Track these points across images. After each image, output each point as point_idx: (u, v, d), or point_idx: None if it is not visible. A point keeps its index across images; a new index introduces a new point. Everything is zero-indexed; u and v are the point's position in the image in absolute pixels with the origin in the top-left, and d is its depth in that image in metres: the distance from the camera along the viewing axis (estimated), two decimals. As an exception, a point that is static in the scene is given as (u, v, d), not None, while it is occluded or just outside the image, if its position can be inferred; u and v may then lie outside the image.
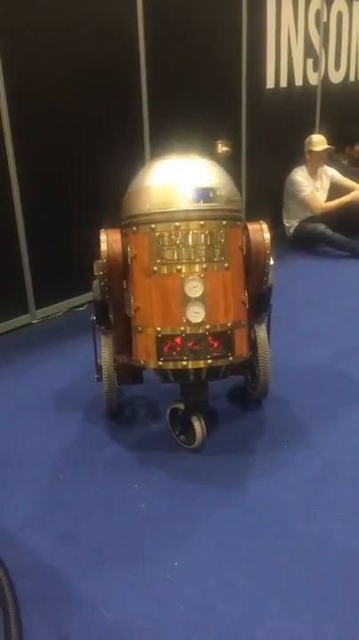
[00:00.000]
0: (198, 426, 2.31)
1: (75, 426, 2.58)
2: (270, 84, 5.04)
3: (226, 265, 2.18)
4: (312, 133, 5.20)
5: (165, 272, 2.14)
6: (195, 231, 2.13)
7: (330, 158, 5.18)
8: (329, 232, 4.91)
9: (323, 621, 1.63)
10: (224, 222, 2.17)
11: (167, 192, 2.17)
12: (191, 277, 2.13)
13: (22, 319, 3.65)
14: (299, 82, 5.33)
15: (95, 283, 2.39)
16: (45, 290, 3.70)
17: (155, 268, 2.15)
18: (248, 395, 2.71)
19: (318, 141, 4.99)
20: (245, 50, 4.69)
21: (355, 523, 1.98)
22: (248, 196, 4.79)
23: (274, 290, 2.49)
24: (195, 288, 2.13)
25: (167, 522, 2.01)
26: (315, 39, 5.39)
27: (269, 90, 5.05)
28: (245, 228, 2.29)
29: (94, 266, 2.32)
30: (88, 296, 3.44)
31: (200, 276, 2.13)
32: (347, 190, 5.14)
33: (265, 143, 5.01)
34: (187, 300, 2.13)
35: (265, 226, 2.31)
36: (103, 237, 2.26)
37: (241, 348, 2.24)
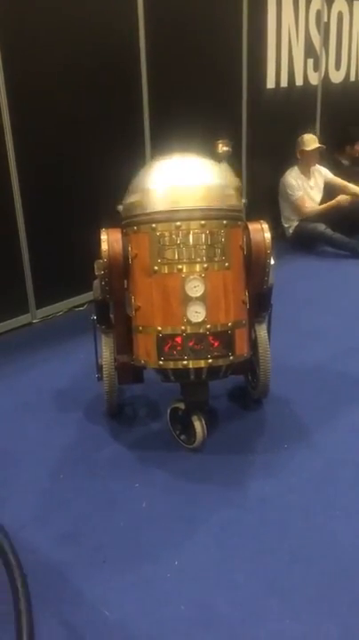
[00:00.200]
0: (199, 425, 2.31)
1: (76, 425, 2.58)
2: (271, 83, 5.04)
3: (226, 264, 2.18)
4: (312, 133, 5.21)
5: (166, 272, 2.15)
6: (196, 231, 2.14)
7: (321, 157, 5.22)
8: (329, 232, 4.92)
9: (324, 620, 1.63)
10: (225, 222, 2.17)
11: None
12: (192, 277, 2.13)
13: (23, 319, 3.65)
14: (299, 82, 5.33)
15: (96, 282, 2.39)
16: (46, 289, 3.70)
17: (156, 268, 2.15)
18: (248, 394, 2.72)
19: (309, 140, 5.04)
20: (246, 49, 4.69)
21: (355, 522, 1.98)
22: (248, 195, 4.79)
23: (274, 289, 2.49)
24: (195, 288, 2.13)
25: (168, 521, 2.01)
26: (316, 39, 5.39)
27: (270, 89, 5.05)
28: (246, 227, 2.30)
29: (95, 265, 2.32)
30: (88, 296, 3.43)
31: (201, 275, 2.13)
32: (340, 189, 5.20)
33: (265, 143, 5.01)
34: (187, 300, 2.13)
35: (265, 225, 2.31)
36: (104, 237, 2.26)
37: (241, 348, 2.24)
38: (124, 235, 2.25)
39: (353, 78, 6.06)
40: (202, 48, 4.27)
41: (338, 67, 5.80)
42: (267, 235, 2.29)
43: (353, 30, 5.83)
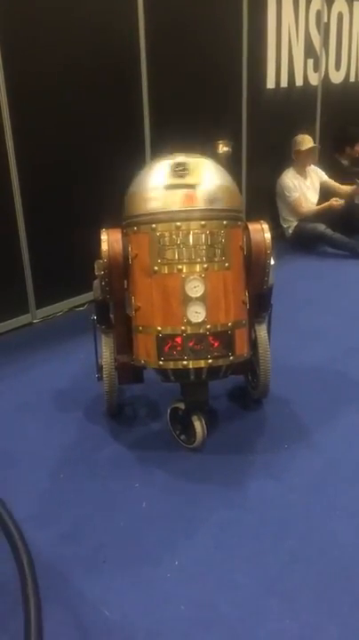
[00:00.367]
0: (199, 425, 2.31)
1: (76, 425, 2.58)
2: (271, 84, 5.05)
3: (226, 265, 2.18)
4: (313, 133, 5.22)
5: (166, 272, 2.15)
6: (196, 231, 2.14)
7: (316, 157, 5.24)
8: (329, 232, 4.92)
9: (324, 621, 1.63)
10: (225, 222, 2.18)
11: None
12: (192, 277, 2.13)
13: (23, 319, 3.65)
14: (299, 82, 5.34)
15: (96, 282, 2.39)
16: (46, 289, 3.70)
17: (156, 268, 2.15)
18: (248, 394, 2.72)
19: (303, 140, 5.07)
20: (246, 50, 4.69)
21: (355, 522, 1.98)
22: (248, 195, 4.79)
23: (274, 290, 2.50)
24: (195, 288, 2.13)
25: (168, 521, 2.01)
26: (316, 39, 5.39)
27: (270, 90, 5.06)
28: (246, 227, 2.30)
29: (95, 265, 2.32)
30: (89, 296, 3.44)
31: (201, 275, 2.14)
32: (334, 190, 5.23)
33: (265, 143, 5.01)
34: (187, 300, 2.13)
35: (265, 226, 2.31)
36: (104, 237, 2.26)
37: (241, 348, 2.24)
38: (124, 235, 2.25)
39: (353, 79, 6.06)
40: (202, 48, 4.27)
41: (338, 67, 5.80)
42: (268, 235, 2.29)
43: (353, 31, 5.84)
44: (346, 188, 5.22)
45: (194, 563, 1.83)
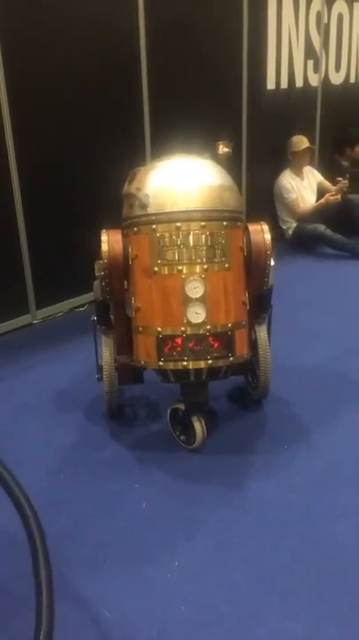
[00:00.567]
0: (198, 426, 2.31)
1: (76, 426, 2.58)
2: (271, 84, 5.05)
3: (226, 265, 2.18)
4: (312, 134, 5.23)
5: (166, 272, 2.15)
6: (196, 232, 2.14)
7: (312, 157, 5.27)
8: (329, 232, 4.93)
9: (324, 621, 1.63)
10: (225, 223, 2.18)
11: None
12: (192, 278, 2.13)
13: (23, 319, 3.65)
14: (299, 83, 5.34)
15: (96, 283, 2.39)
16: (46, 290, 3.70)
17: (156, 269, 2.15)
18: (248, 395, 2.72)
19: (298, 142, 5.08)
20: (246, 50, 4.69)
21: (355, 523, 1.98)
22: (248, 196, 4.80)
23: (274, 290, 2.50)
24: (195, 289, 2.13)
25: (168, 521, 2.01)
26: (316, 40, 5.39)
27: (270, 91, 5.06)
28: (246, 228, 2.30)
29: (95, 266, 2.33)
30: (89, 296, 3.44)
31: (201, 276, 2.14)
32: (328, 192, 5.24)
33: (265, 144, 5.02)
34: (187, 301, 2.13)
35: (266, 226, 2.31)
36: (104, 238, 2.26)
37: (241, 349, 2.24)
38: (125, 235, 2.26)
39: (353, 80, 6.07)
40: (202, 48, 4.28)
41: (338, 68, 5.81)
42: (268, 236, 2.30)
43: (353, 32, 5.85)
44: (339, 186, 5.23)
45: (194, 563, 1.84)
